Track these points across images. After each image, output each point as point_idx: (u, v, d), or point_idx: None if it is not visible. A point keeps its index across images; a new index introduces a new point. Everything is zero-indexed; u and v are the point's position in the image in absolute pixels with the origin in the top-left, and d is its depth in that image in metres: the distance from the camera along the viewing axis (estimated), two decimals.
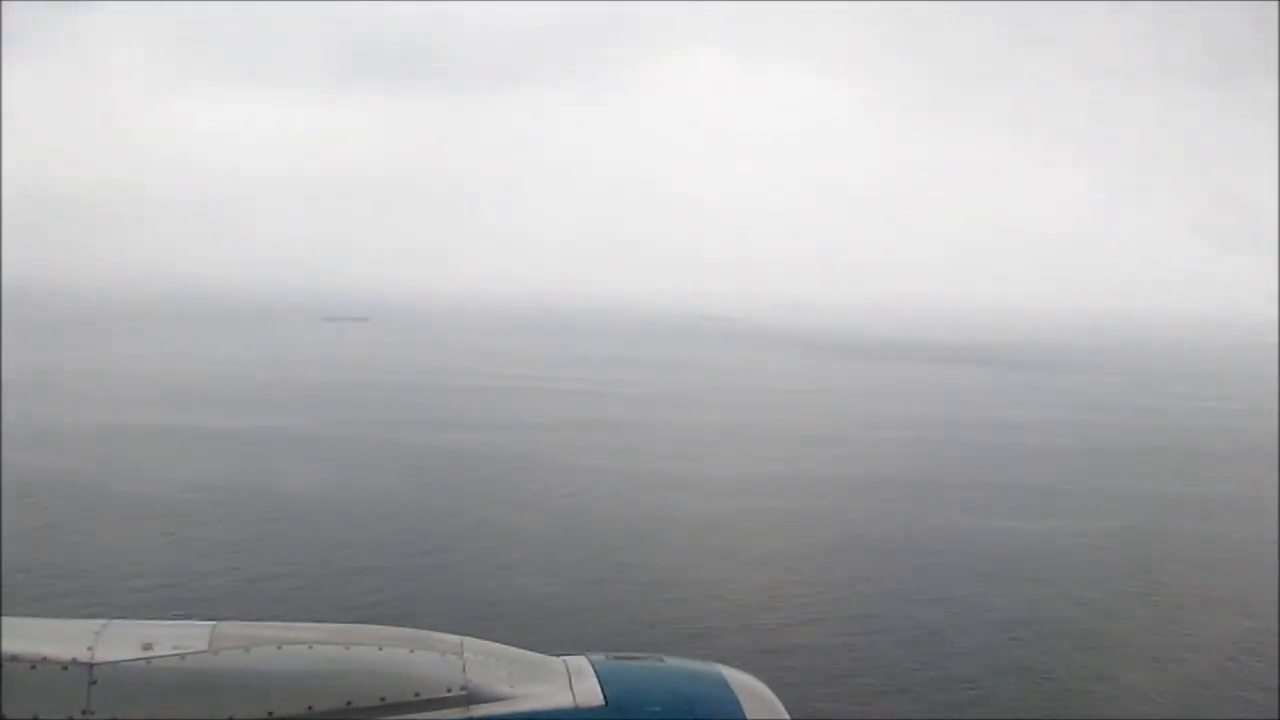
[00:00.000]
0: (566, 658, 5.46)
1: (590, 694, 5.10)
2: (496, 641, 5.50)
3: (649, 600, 40.69)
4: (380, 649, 5.13)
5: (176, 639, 4.99)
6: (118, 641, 4.87)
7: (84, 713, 4.56)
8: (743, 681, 5.41)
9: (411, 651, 5.16)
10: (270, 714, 4.68)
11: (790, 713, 5.40)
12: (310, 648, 5.05)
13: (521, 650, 5.51)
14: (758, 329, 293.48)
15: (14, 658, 4.60)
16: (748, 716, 5.16)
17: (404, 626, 5.46)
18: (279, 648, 5.02)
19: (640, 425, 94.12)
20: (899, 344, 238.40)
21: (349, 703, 4.80)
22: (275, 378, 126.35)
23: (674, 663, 5.61)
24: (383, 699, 4.83)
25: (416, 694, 4.88)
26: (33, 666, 4.61)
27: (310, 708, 4.75)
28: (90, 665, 4.68)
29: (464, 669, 5.07)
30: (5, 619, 4.88)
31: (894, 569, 47.50)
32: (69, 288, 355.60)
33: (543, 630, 33.81)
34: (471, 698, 4.93)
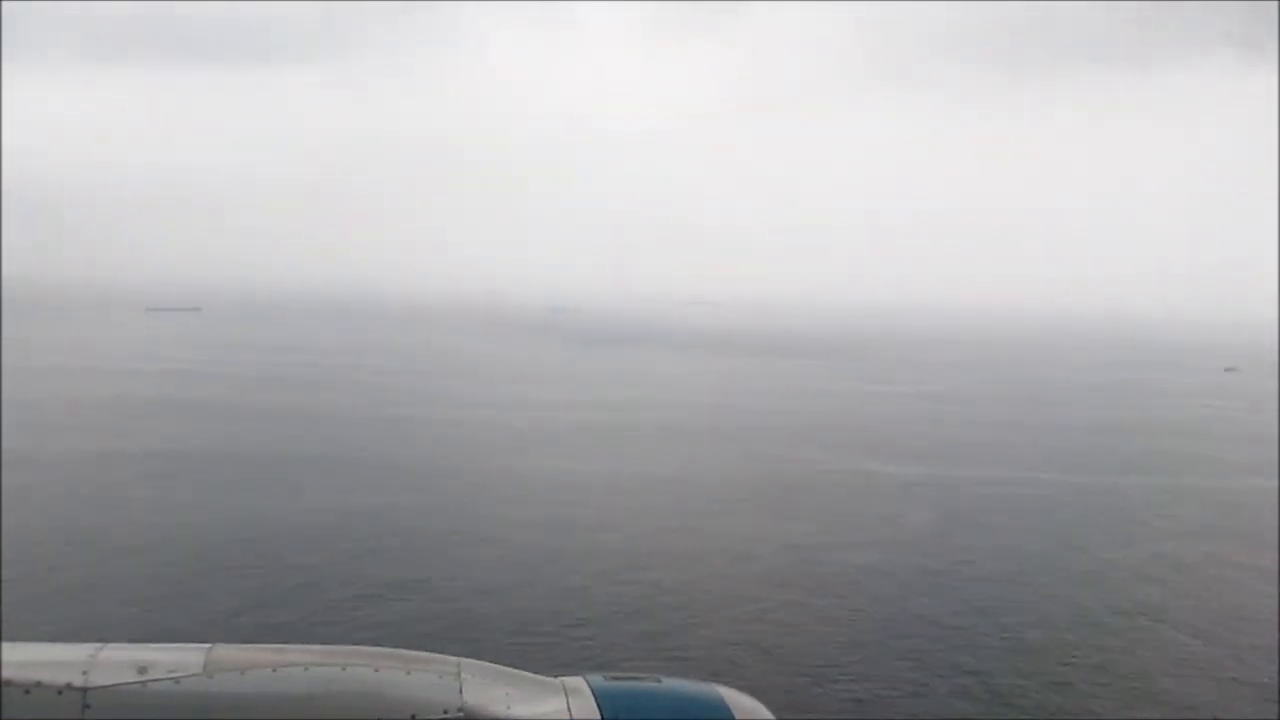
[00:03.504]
0: (564, 678, 5.36)
1: (588, 714, 5.02)
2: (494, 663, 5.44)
3: None
4: (376, 670, 4.99)
5: (171, 663, 4.83)
6: (112, 665, 4.73)
7: None
8: (741, 702, 5.32)
9: (408, 673, 5.01)
10: None
11: None
12: (305, 670, 4.93)
13: (519, 671, 5.40)
14: (599, 321, 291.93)
15: (9, 683, 4.47)
16: None
17: (399, 647, 5.37)
18: (274, 670, 4.89)
19: (222, 406, 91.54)
20: (715, 335, 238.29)
21: None
22: None
23: (672, 683, 5.52)
24: None
25: (413, 716, 4.77)
26: (27, 691, 4.46)
27: None
28: (84, 690, 4.54)
29: (460, 690, 4.95)
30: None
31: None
32: None
33: None
34: (468, 719, 4.81)
